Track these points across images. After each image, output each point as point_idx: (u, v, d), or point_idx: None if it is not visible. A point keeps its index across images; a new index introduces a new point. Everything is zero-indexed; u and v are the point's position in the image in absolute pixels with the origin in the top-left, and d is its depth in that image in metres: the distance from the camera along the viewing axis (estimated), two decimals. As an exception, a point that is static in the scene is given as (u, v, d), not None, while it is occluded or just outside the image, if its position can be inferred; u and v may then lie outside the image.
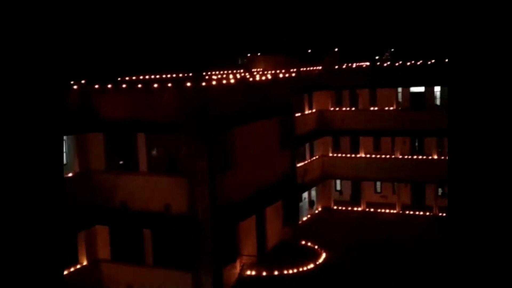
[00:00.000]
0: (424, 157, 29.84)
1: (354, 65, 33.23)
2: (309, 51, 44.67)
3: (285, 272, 19.96)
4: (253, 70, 34.22)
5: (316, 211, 30.73)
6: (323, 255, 22.00)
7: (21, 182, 4.84)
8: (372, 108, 30.77)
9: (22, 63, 4.83)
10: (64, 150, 22.54)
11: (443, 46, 33.04)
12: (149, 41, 40.42)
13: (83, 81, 20.27)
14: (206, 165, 17.82)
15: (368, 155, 30.85)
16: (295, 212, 24.55)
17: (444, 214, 28.52)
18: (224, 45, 44.10)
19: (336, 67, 31.98)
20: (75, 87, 19.45)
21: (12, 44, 4.75)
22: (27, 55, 4.85)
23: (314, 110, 30.77)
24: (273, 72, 26.93)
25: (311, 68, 32.01)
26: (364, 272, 21.41)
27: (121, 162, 20.89)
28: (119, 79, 25.91)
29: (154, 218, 18.75)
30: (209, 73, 30.15)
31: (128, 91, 19.75)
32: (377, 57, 43.58)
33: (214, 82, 19.35)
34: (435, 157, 29.07)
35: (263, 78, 23.02)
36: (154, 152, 20.88)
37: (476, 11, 5.02)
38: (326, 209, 31.17)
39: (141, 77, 28.49)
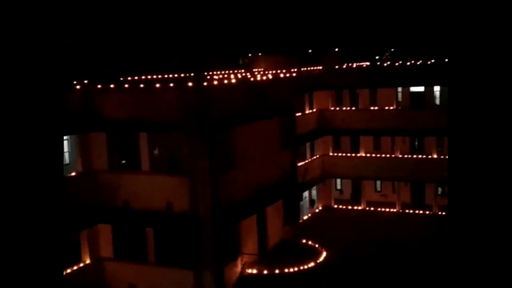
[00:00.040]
0: (424, 156, 29.84)
1: (354, 65, 33.22)
2: (310, 51, 44.65)
3: (286, 270, 19.96)
4: (254, 70, 34.23)
5: (317, 210, 30.73)
6: (324, 254, 22.01)
7: (21, 182, 4.83)
8: (372, 108, 30.76)
9: (22, 63, 4.82)
10: (67, 150, 22.58)
11: (443, 46, 33.02)
12: (151, 41, 40.43)
13: (85, 81, 20.29)
14: (208, 164, 17.83)
15: (368, 155, 30.84)
16: (296, 211, 24.55)
17: (444, 213, 28.52)
18: (225, 45, 44.10)
19: (337, 67, 31.98)
20: (78, 87, 19.46)
21: (12, 45, 4.74)
22: (27, 55, 4.84)
23: (314, 110, 30.77)
24: (274, 72, 26.93)
25: (312, 68, 32.01)
26: (365, 271, 21.41)
27: (123, 162, 20.90)
28: (121, 79, 25.93)
29: (156, 217, 18.77)
30: (210, 73, 30.16)
31: (131, 91, 19.75)
32: (377, 57, 43.55)
33: (215, 82, 19.35)
34: (435, 156, 29.06)
35: (264, 78, 23.02)
36: (156, 152, 20.89)
37: (476, 11, 5.02)
38: (327, 208, 31.17)
39: (143, 77, 28.51)
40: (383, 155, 30.79)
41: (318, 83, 30.43)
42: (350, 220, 28.92)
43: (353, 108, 31.49)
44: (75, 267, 18.90)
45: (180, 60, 39.42)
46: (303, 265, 20.55)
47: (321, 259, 21.52)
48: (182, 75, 29.60)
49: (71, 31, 30.73)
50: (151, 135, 19.23)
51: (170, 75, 29.25)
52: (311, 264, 20.77)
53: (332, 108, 31.36)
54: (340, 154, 31.67)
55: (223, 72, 31.31)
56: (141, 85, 19.73)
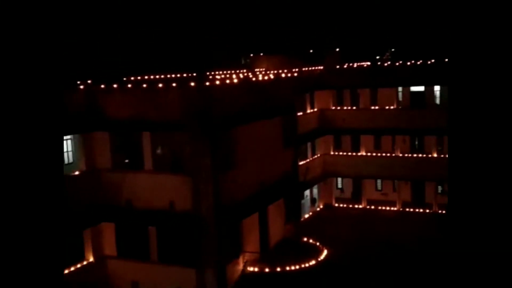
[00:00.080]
0: (424, 155, 29.81)
1: (355, 65, 33.20)
2: (311, 51, 44.62)
3: (288, 268, 19.97)
4: (255, 70, 34.23)
5: (318, 209, 30.73)
6: (325, 252, 22.00)
7: (21, 182, 4.81)
8: (372, 107, 30.74)
9: (22, 64, 4.81)
10: (70, 149, 22.61)
11: (443, 46, 32.97)
12: (154, 41, 40.44)
13: (89, 81, 20.30)
14: (210, 163, 17.83)
15: (368, 154, 30.82)
16: (297, 209, 24.55)
17: (444, 212, 28.50)
18: (227, 46, 44.09)
19: (337, 67, 31.96)
20: (81, 87, 19.48)
21: (12, 45, 4.73)
22: (27, 56, 4.83)
23: (315, 109, 30.76)
24: (275, 72, 26.93)
25: (313, 68, 32.00)
26: (365, 269, 21.40)
27: (126, 161, 20.92)
28: (124, 79, 25.95)
29: (159, 216, 18.79)
30: (212, 73, 30.17)
31: (133, 91, 19.76)
32: (377, 57, 43.51)
33: (217, 82, 19.36)
34: (435, 155, 29.03)
35: (266, 78, 23.01)
36: (158, 151, 20.91)
37: (476, 11, 5.01)
38: (328, 207, 31.17)
39: (146, 77, 28.52)
40: (384, 154, 30.76)
41: (319, 83, 30.42)
42: (351, 219, 28.91)
43: (354, 108, 31.47)
44: (78, 265, 18.93)
45: (183, 60, 39.43)
46: (305, 263, 20.55)
47: (322, 257, 21.52)
48: (185, 75, 29.62)
49: (75, 32, 30.75)
50: (154, 135, 19.24)
51: (173, 75, 29.26)
52: (312, 262, 20.78)
53: (333, 108, 31.34)
54: (341, 153, 31.66)
55: (225, 72, 31.32)
56: (144, 85, 19.73)
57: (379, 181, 32.16)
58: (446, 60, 28.66)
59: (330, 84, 30.81)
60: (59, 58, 5.03)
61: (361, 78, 30.51)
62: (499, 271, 4.96)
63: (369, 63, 34.59)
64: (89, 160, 19.50)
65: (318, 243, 22.99)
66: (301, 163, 26.68)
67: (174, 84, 19.04)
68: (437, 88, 30.65)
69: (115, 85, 19.74)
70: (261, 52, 39.77)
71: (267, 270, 19.87)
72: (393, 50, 46.03)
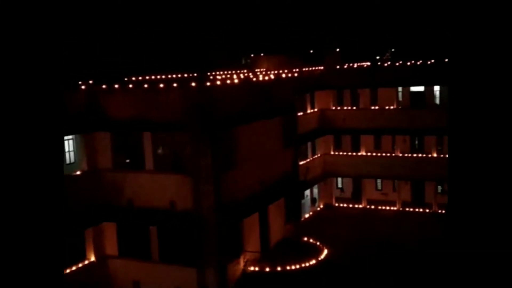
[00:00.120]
0: (424, 155, 29.79)
1: (355, 65, 33.19)
2: (311, 51, 44.61)
3: (288, 268, 19.96)
4: (256, 70, 34.22)
5: (318, 208, 30.72)
6: (325, 251, 21.99)
7: (21, 182, 4.78)
8: (372, 107, 30.72)
9: (22, 64, 4.79)
10: (72, 149, 22.60)
11: (442, 46, 32.95)
12: (155, 42, 40.44)
13: (90, 82, 20.30)
14: (211, 163, 17.83)
15: (369, 153, 30.80)
16: (297, 209, 24.53)
17: (443, 211, 28.48)
18: (227, 46, 44.09)
19: (338, 67, 31.94)
20: (82, 87, 19.48)
21: (12, 45, 4.71)
22: (27, 56, 4.81)
23: (316, 110, 30.75)
24: (275, 72, 26.91)
25: (313, 68, 31.98)
26: (365, 268, 21.40)
27: (127, 161, 20.92)
28: (125, 79, 25.94)
29: (160, 215, 18.78)
30: (213, 73, 30.16)
31: (135, 91, 19.76)
32: (377, 57, 43.50)
33: (218, 82, 19.35)
34: (435, 155, 29.01)
35: (266, 78, 23.00)
36: (159, 151, 20.91)
37: (476, 10, 5.00)
38: (328, 206, 31.16)
39: (147, 77, 28.52)
40: (384, 154, 30.74)
41: (319, 83, 30.41)
42: (351, 218, 28.89)
43: (354, 108, 31.45)
44: (80, 265, 18.93)
45: (184, 60, 39.43)
46: (305, 263, 20.54)
47: (322, 256, 21.51)
48: (185, 75, 29.61)
49: (76, 32, 30.75)
50: (154, 135, 19.24)
51: (174, 75, 29.25)
52: (313, 262, 20.76)
53: (333, 108, 31.33)
54: (341, 153, 31.64)
55: (225, 72, 31.31)
56: (145, 85, 19.73)
57: (379, 181, 32.14)
58: (446, 60, 28.65)
59: (330, 84, 30.80)
60: (59, 59, 5.01)
61: (361, 78, 30.50)
62: (499, 271, 4.95)
63: (369, 63, 34.57)
64: (90, 160, 19.50)
65: (318, 243, 22.98)
66: (301, 163, 26.66)
67: (175, 84, 19.03)
68: (437, 88, 30.63)
69: (116, 85, 19.74)
70: (262, 53, 39.77)
71: (267, 269, 19.86)
72: (393, 50, 46.03)
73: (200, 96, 18.09)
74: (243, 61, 41.99)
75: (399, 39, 46.18)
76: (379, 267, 21.34)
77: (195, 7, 41.13)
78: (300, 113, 27.06)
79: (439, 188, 29.96)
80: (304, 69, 30.69)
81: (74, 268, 18.59)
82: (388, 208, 30.25)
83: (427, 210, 29.29)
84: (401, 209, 29.94)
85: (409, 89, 30.87)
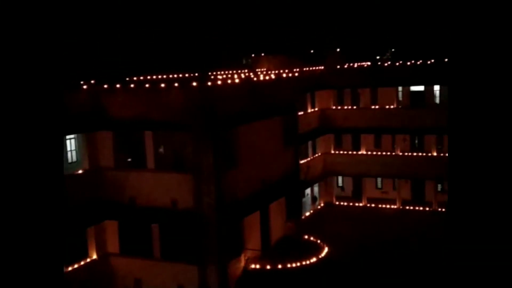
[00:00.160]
0: (424, 154, 29.75)
1: (355, 65, 33.14)
2: (312, 51, 44.58)
3: (289, 265, 19.94)
4: (257, 70, 34.18)
5: (319, 207, 30.69)
6: (325, 249, 21.95)
7: (20, 182, 4.75)
8: (373, 107, 30.68)
9: (22, 63, 4.75)
10: (74, 148, 22.61)
11: (442, 46, 32.90)
12: (156, 42, 40.43)
13: (92, 82, 20.29)
14: (212, 162, 17.80)
15: (369, 152, 30.77)
16: (298, 207, 24.50)
17: (443, 209, 28.46)
18: (228, 46, 44.06)
19: (338, 67, 31.90)
20: (85, 87, 19.47)
21: (12, 45, 4.68)
22: (27, 56, 4.78)
23: (316, 109, 30.71)
24: (276, 72, 26.87)
25: (314, 68, 31.94)
26: (366, 266, 21.38)
27: (129, 160, 20.91)
28: (127, 79, 25.93)
29: (162, 214, 18.77)
30: (214, 73, 30.13)
31: (136, 90, 19.74)
32: (378, 57, 43.46)
33: (219, 82, 19.32)
34: (435, 154, 28.98)
35: (267, 78, 22.96)
36: (161, 150, 20.89)
37: (475, 10, 4.97)
38: (328, 205, 31.13)
39: (148, 77, 28.50)
40: (384, 153, 30.71)
41: (320, 83, 30.37)
42: (351, 217, 28.87)
43: (354, 107, 31.41)
44: (82, 263, 18.93)
45: (185, 60, 39.42)
46: (305, 261, 20.51)
47: (323, 254, 21.47)
48: (187, 75, 29.58)
49: (78, 33, 30.75)
50: (156, 134, 19.22)
51: (175, 75, 29.23)
52: (313, 260, 20.73)
53: (334, 107, 31.29)
54: (341, 152, 31.61)
55: (226, 72, 31.27)
56: (147, 85, 19.71)
57: (379, 179, 32.11)
58: (446, 60, 28.62)
59: (330, 83, 30.76)
60: (59, 58, 4.98)
61: (361, 78, 30.47)
62: (499, 269, 4.92)
63: (369, 63, 34.53)
64: (92, 159, 19.49)
65: (318, 241, 22.95)
66: (302, 162, 26.63)
67: (176, 84, 19.01)
68: (436, 87, 30.60)
69: (118, 85, 19.72)
70: (262, 53, 39.74)
71: (268, 267, 19.84)
72: (393, 50, 45.99)
73: (201, 96, 18.06)
74: (244, 61, 41.97)
75: (399, 39, 46.13)
76: (379, 265, 21.32)
77: (196, 7, 41.11)
78: (301, 113, 27.02)
79: (439, 186, 29.93)
80: (304, 69, 30.66)
81: (76, 266, 18.59)
82: (388, 206, 30.22)
83: (427, 209, 29.27)
84: (401, 207, 29.91)
85: (409, 88, 30.84)
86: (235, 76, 24.68)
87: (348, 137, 32.38)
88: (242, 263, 19.79)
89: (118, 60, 33.78)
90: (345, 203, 31.21)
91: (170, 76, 29.00)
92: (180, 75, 29.24)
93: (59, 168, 5.04)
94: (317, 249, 21.76)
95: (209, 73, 29.42)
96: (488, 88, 4.96)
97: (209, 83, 18.69)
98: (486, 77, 4.97)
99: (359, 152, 30.79)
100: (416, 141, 31.81)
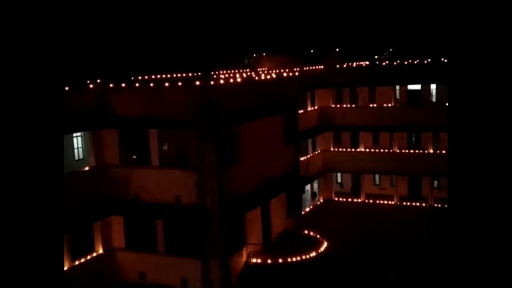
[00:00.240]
0: (421, 151, 29.69)
1: (354, 64, 33.06)
2: (312, 51, 44.50)
3: (289, 260, 19.93)
4: (258, 69, 34.12)
5: (318, 203, 30.67)
6: (325, 244, 21.94)
7: (19, 181, 4.68)
8: (371, 105, 30.62)
9: (22, 63, 4.70)
10: (80, 146, 22.61)
11: (439, 46, 32.79)
12: (160, 42, 40.40)
13: (98, 81, 20.27)
14: (215, 159, 17.78)
15: (367, 150, 30.72)
16: (298, 203, 24.47)
17: (439, 205, 28.43)
18: (230, 46, 44.00)
19: (338, 66, 31.83)
20: (91, 86, 19.45)
21: (12, 45, 4.63)
22: (27, 55, 4.72)
23: (316, 107, 30.65)
24: (277, 71, 26.82)
25: (314, 67, 31.88)
26: (364, 260, 21.37)
27: (134, 157, 20.90)
28: (132, 78, 25.91)
29: (166, 209, 18.76)
30: (217, 72, 30.08)
31: (141, 89, 19.71)
32: (376, 57, 43.37)
33: (222, 81, 19.27)
34: (431, 151, 28.93)
35: (268, 77, 22.92)
36: (165, 147, 20.87)
37: (475, 9, 4.93)
38: (328, 201, 31.11)
39: (153, 77, 28.47)
40: (382, 150, 30.66)
41: (319, 82, 30.30)
42: (350, 212, 28.85)
43: (353, 106, 31.34)
44: (88, 257, 18.95)
45: (188, 60, 39.38)
46: (305, 255, 20.50)
47: (322, 249, 21.46)
48: (190, 74, 29.53)
49: (85, 34, 30.73)
50: (160, 132, 19.19)
51: (179, 75, 29.19)
52: (313, 254, 20.73)
53: (333, 106, 31.23)
54: (340, 149, 31.56)
55: (229, 71, 31.22)
56: (151, 84, 19.68)
57: (377, 176, 32.07)
58: (442, 59, 28.54)
59: (330, 82, 30.69)
60: (59, 59, 4.93)
61: (360, 77, 30.40)
62: (499, 266, 4.89)
63: (368, 63, 34.46)
64: (98, 156, 19.48)
65: (318, 236, 22.94)
66: (302, 159, 26.59)
67: (180, 83, 18.98)
68: (433, 86, 30.50)
69: (123, 85, 19.70)
70: (264, 52, 39.67)
71: (269, 261, 19.84)
72: (391, 50, 45.88)
73: (204, 94, 18.03)
74: (246, 61, 41.89)
75: (397, 39, 46.02)
76: (377, 259, 21.31)
77: (198, 8, 41.05)
78: (301, 111, 26.96)
79: (435, 183, 29.90)
80: (305, 68, 30.60)
81: (83, 260, 18.61)
82: (386, 202, 30.19)
83: (424, 204, 29.24)
84: (398, 203, 29.88)
85: (406, 87, 30.78)
86: (237, 75, 24.63)
87: (347, 135, 32.32)
88: (244, 258, 19.79)
89: (123, 60, 33.76)
90: (344, 199, 31.18)
91: (174, 75, 28.96)
92: (184, 75, 29.20)
93: (59, 167, 4.97)
94: (317, 244, 21.75)
95: (212, 73, 29.37)
96: (488, 86, 4.92)
97: (212, 83, 18.66)
98: (485, 75, 4.93)
99: (358, 150, 30.73)
100: (413, 139, 31.74)
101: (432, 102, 30.70)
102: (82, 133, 21.75)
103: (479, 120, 4.90)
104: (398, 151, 29.80)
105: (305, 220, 25.59)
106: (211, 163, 17.80)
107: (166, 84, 19.00)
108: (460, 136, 4.99)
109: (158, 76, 28.64)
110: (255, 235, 20.74)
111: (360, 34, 45.76)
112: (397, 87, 30.78)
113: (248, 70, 34.33)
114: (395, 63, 30.77)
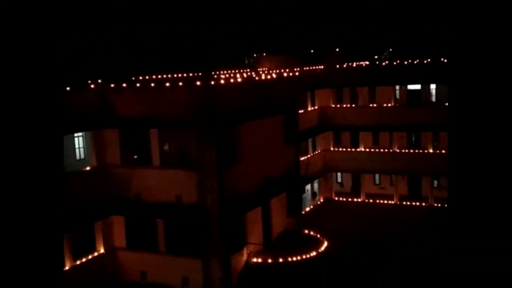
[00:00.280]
0: (420, 151, 29.69)
1: (354, 64, 33.05)
2: (312, 51, 44.49)
3: (289, 259, 19.93)
4: (259, 69, 34.12)
5: (318, 202, 30.66)
6: (325, 243, 21.95)
7: (21, 181, 4.67)
8: (371, 105, 30.61)
9: (23, 63, 4.69)
10: (82, 146, 22.61)
11: (438, 46, 32.79)
12: (161, 43, 40.40)
13: (99, 81, 20.28)
14: (215, 159, 17.78)
15: (367, 149, 30.71)
16: (299, 203, 24.47)
17: (439, 204, 28.42)
18: (231, 46, 43.99)
19: (337, 66, 31.82)
20: (92, 86, 19.45)
21: (13, 45, 4.62)
22: (27, 56, 4.71)
23: (316, 107, 30.64)
24: (277, 71, 26.82)
25: (314, 67, 31.87)
26: (364, 259, 21.37)
27: (135, 157, 20.90)
28: (133, 78, 25.91)
29: (166, 209, 18.76)
30: (217, 72, 30.08)
31: (142, 89, 19.71)
32: (376, 57, 43.36)
33: (222, 81, 19.27)
34: (431, 151, 28.92)
35: (269, 77, 22.92)
36: (166, 147, 20.87)
37: (475, 9, 4.93)
38: (328, 200, 31.10)
39: (153, 77, 28.47)
40: (382, 150, 30.65)
41: (320, 82, 30.30)
42: (350, 212, 28.85)
43: (353, 105, 31.34)
44: (90, 257, 18.96)
45: (189, 60, 39.38)
46: (306, 254, 20.50)
47: (322, 248, 21.46)
48: (191, 74, 29.54)
49: (86, 34, 30.73)
50: (161, 132, 19.20)
51: (179, 75, 29.19)
52: (313, 253, 20.73)
53: (333, 106, 31.22)
54: (340, 149, 31.56)
55: (229, 71, 31.22)
56: (152, 84, 19.68)
57: (377, 175, 32.06)
58: (442, 59, 28.53)
59: (330, 82, 30.69)
60: (59, 59, 4.91)
61: (360, 77, 30.39)
62: (499, 264, 4.88)
63: (368, 63, 34.45)
64: (99, 156, 19.49)
65: (318, 235, 22.93)
66: (302, 158, 26.59)
67: (181, 83, 18.98)
68: (432, 86, 30.49)
69: (124, 85, 19.70)
70: (264, 53, 39.67)
71: (270, 261, 19.84)
72: (391, 50, 45.86)
73: (205, 94, 18.03)
74: (246, 61, 41.89)
75: (397, 39, 46.01)
76: (377, 258, 21.31)
77: (198, 8, 41.05)
78: (301, 111, 26.95)
79: (435, 182, 29.89)
80: (305, 68, 30.59)
81: (84, 259, 18.62)
82: (385, 201, 30.18)
83: (423, 204, 29.23)
84: (398, 202, 29.87)
85: (406, 87, 30.77)
86: (238, 75, 24.63)
87: (347, 135, 32.32)
88: (245, 257, 19.79)
89: (124, 60, 33.77)
90: (344, 199, 31.17)
91: (175, 75, 28.97)
92: (184, 75, 29.20)
93: (59, 167, 4.96)
94: (317, 243, 21.74)
95: (212, 73, 29.37)
96: (488, 86, 4.92)
97: (212, 83, 18.66)
98: (485, 75, 4.93)
99: (358, 149, 30.72)
100: (413, 138, 31.74)
101: (432, 102, 30.69)
102: (83, 133, 21.76)
103: (479, 120, 4.90)
104: (398, 150, 29.80)
105: (306, 220, 25.58)
106: (212, 163, 17.80)
107: (167, 84, 19.00)
108: (460, 136, 4.99)
109: (159, 76, 28.65)
110: (255, 234, 20.74)
111: (360, 34, 45.75)
112: (397, 87, 30.78)
113: (248, 70, 34.33)
114: (395, 63, 30.76)
